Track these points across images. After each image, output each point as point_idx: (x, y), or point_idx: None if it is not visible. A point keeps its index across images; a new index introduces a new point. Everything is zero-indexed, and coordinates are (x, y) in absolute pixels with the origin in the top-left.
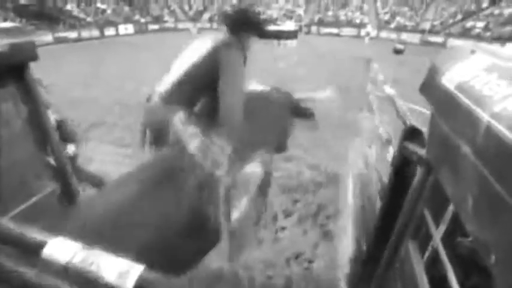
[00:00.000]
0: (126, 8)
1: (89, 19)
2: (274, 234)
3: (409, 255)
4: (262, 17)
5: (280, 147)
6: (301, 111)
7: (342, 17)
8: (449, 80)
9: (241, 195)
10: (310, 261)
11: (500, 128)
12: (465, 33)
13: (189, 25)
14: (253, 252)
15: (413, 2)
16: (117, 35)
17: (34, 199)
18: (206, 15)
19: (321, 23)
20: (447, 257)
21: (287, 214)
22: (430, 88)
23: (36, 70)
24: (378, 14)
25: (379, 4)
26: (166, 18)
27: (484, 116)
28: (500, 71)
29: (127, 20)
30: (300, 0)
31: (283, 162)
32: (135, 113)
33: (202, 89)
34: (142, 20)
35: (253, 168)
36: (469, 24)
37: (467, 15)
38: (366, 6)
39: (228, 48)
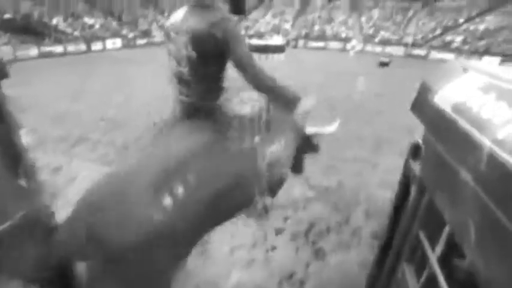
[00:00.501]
0: (114, 23)
1: (75, 33)
2: (265, 254)
3: (405, 278)
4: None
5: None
6: (310, 146)
7: (328, 32)
8: (443, 99)
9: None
10: (302, 282)
11: (504, 156)
12: (445, 47)
13: None
14: (244, 274)
15: (395, 17)
16: (105, 49)
17: (7, 224)
18: None
19: (308, 37)
20: (444, 279)
21: (278, 232)
22: (422, 107)
23: (20, 85)
24: (362, 28)
25: (363, 19)
26: (154, 33)
27: (486, 143)
28: (497, 91)
29: (115, 34)
30: (287, 15)
31: None
32: (121, 129)
33: (215, 64)
34: (131, 35)
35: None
36: (448, 38)
37: (446, 29)
38: (350, 21)
39: (229, 20)
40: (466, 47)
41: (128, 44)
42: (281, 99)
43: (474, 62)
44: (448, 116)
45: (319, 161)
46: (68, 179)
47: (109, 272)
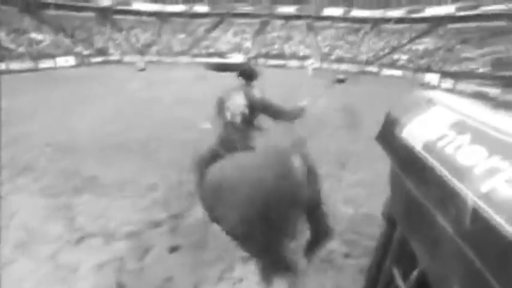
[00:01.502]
0: (67, 40)
1: (20, 50)
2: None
3: None
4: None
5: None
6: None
7: (287, 50)
8: (412, 135)
9: None
10: None
11: (491, 214)
12: (394, 64)
13: (136, 58)
14: None
15: (348, 37)
16: (55, 67)
17: None
18: (154, 48)
19: (268, 55)
20: None
21: (244, 260)
22: (389, 139)
23: None
24: (319, 47)
25: (319, 38)
26: (111, 50)
27: (469, 196)
28: (472, 133)
29: (67, 52)
30: (247, 34)
31: None
32: (70, 156)
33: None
34: (85, 52)
35: None
36: (395, 56)
37: (393, 49)
38: (308, 40)
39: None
40: (411, 65)
41: (83, 62)
42: (292, 116)
43: (439, 93)
44: (419, 155)
45: None
46: (7, 217)
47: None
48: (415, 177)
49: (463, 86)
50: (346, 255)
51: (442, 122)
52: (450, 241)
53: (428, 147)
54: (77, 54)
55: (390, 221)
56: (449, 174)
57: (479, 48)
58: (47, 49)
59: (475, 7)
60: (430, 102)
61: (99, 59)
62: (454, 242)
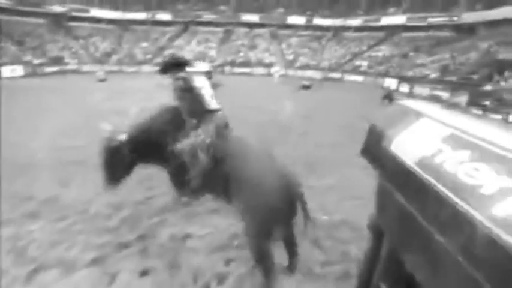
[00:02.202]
0: (13, 48)
1: None
2: None
3: None
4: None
5: None
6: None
7: (252, 58)
8: (402, 149)
9: None
10: None
11: (507, 238)
12: (355, 70)
13: (95, 68)
14: None
15: (311, 45)
16: (0, 77)
17: None
18: (115, 58)
19: (234, 63)
20: None
21: (220, 278)
22: (375, 152)
23: None
24: (283, 54)
25: (283, 46)
26: (67, 59)
27: (478, 218)
28: (470, 148)
29: (15, 61)
30: (211, 43)
31: (208, 216)
32: (21, 177)
33: None
34: (36, 61)
35: None
36: (357, 63)
37: (354, 56)
38: (272, 48)
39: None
40: (372, 70)
41: (34, 72)
42: None
43: (422, 104)
44: (412, 170)
45: None
46: None
47: None
48: (408, 192)
49: (419, 90)
50: (324, 263)
51: (433, 136)
52: (452, 261)
53: (423, 162)
54: (26, 63)
55: (377, 235)
56: (449, 192)
57: (430, 56)
58: None
59: (424, 18)
60: (416, 113)
61: (53, 68)
62: (457, 263)
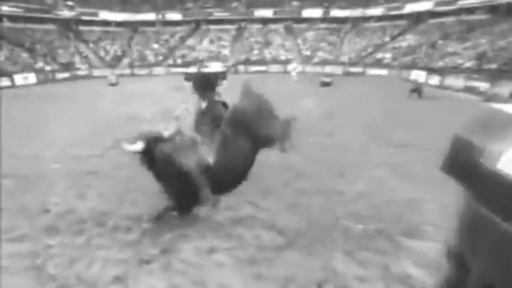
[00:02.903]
0: (25, 55)
1: None
2: None
3: None
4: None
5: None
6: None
7: (267, 55)
8: None
9: None
10: None
11: None
12: (377, 63)
13: (106, 72)
14: None
15: (329, 38)
16: (13, 86)
17: None
18: (125, 61)
19: (248, 62)
20: None
21: None
22: (466, 171)
23: None
24: (300, 50)
25: (299, 41)
26: (78, 65)
27: None
28: None
29: (26, 68)
30: (224, 42)
31: (232, 227)
32: (34, 189)
33: None
34: (48, 68)
35: None
36: (379, 55)
37: (376, 48)
38: (287, 44)
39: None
40: (396, 63)
41: (46, 79)
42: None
43: None
44: None
45: (281, 199)
46: None
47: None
48: None
49: (451, 81)
50: (362, 279)
51: None
52: None
53: None
54: (38, 71)
55: (459, 265)
56: None
57: (462, 42)
58: (3, 65)
59: (453, 2)
60: None
61: (65, 74)
62: None
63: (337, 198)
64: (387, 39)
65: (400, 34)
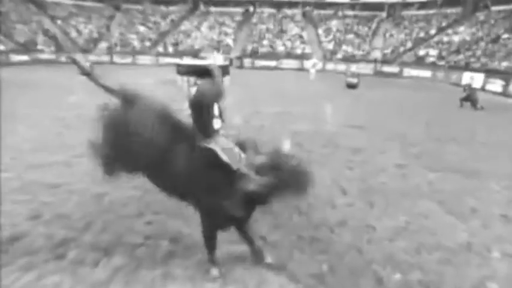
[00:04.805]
0: None
1: None
2: None
3: None
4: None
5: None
6: None
7: (280, 47)
8: None
9: None
10: None
11: None
12: (419, 62)
13: (77, 58)
14: None
15: (359, 29)
16: None
17: None
18: (103, 45)
19: (255, 54)
20: None
21: None
22: None
23: None
24: (321, 42)
25: (321, 31)
26: (40, 46)
27: None
28: None
29: None
30: (227, 28)
31: (230, 265)
32: None
33: None
34: (1, 48)
35: None
36: (421, 52)
37: (418, 42)
38: (306, 34)
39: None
40: (442, 62)
41: None
42: None
43: None
44: None
45: (294, 232)
46: None
47: None
48: None
49: None
50: None
51: None
52: None
53: None
54: None
55: None
56: None
57: None
58: None
59: None
60: None
61: (23, 57)
62: None
63: (367, 236)
64: (433, 31)
65: (450, 25)
